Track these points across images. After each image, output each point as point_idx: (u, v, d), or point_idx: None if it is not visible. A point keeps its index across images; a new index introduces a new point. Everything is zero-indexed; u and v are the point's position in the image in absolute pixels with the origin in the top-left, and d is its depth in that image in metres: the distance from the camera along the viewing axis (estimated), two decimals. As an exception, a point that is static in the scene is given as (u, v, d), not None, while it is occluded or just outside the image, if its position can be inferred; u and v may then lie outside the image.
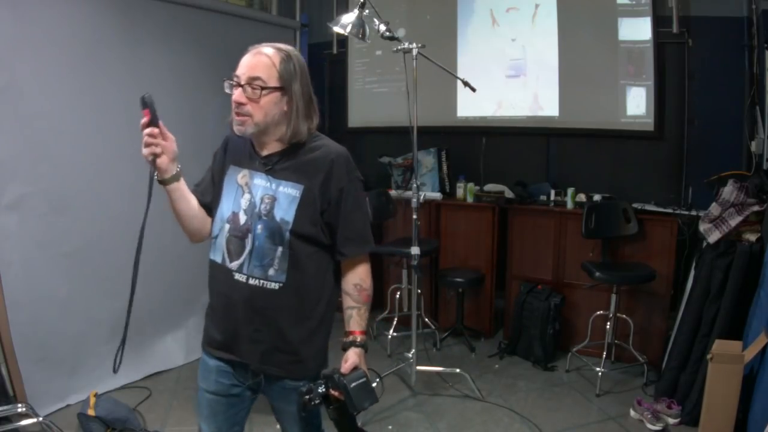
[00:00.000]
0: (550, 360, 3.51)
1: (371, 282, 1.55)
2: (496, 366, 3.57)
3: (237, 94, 1.38)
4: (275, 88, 1.38)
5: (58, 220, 2.81)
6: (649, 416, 2.78)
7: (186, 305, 3.46)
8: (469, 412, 2.98)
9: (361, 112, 4.82)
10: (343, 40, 4.76)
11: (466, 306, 3.94)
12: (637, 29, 3.63)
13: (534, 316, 3.53)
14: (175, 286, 3.39)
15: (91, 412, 2.63)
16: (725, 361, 2.28)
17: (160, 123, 1.36)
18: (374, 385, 1.44)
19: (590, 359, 3.45)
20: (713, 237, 2.81)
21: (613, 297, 3.27)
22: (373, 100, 4.72)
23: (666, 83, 3.65)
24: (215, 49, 3.70)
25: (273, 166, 1.45)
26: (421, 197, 2.98)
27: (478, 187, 4.07)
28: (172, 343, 3.45)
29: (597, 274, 3.20)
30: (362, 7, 2.76)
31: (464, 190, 4.01)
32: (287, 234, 1.41)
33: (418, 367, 3.10)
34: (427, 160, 4.23)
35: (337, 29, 2.81)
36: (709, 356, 2.34)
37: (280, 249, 1.42)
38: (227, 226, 1.46)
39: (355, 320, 1.50)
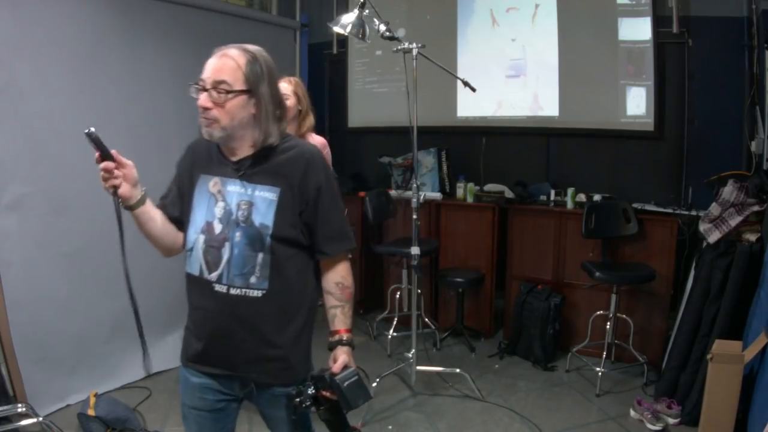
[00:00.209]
0: (550, 360, 3.51)
1: (352, 279, 1.54)
2: (496, 366, 3.57)
3: (202, 99, 1.34)
4: (241, 92, 1.34)
5: (58, 220, 2.81)
6: (649, 416, 2.78)
7: (186, 305, 3.45)
8: (469, 412, 2.98)
9: (361, 112, 4.82)
10: (343, 40, 4.76)
11: (466, 306, 3.94)
12: (637, 29, 3.63)
13: (534, 316, 3.53)
14: (174, 286, 3.36)
15: (91, 412, 2.63)
16: (725, 361, 2.28)
17: (114, 152, 1.32)
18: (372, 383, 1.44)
19: (590, 359, 3.45)
20: (713, 237, 2.81)
21: (613, 297, 3.27)
22: (373, 100, 4.72)
23: (666, 83, 3.65)
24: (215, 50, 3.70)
25: (246, 171, 1.41)
26: (421, 197, 2.98)
27: (478, 187, 4.07)
28: (172, 343, 3.45)
29: (597, 274, 3.20)
30: (362, 7, 2.76)
31: (464, 190, 4.01)
32: (268, 239, 1.38)
33: (418, 367, 3.10)
34: (427, 160, 4.23)
35: (337, 29, 2.81)
36: (709, 356, 2.33)
37: (261, 255, 1.38)
38: (202, 237, 1.42)
39: (340, 319, 1.48)
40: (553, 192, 3.85)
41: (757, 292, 2.49)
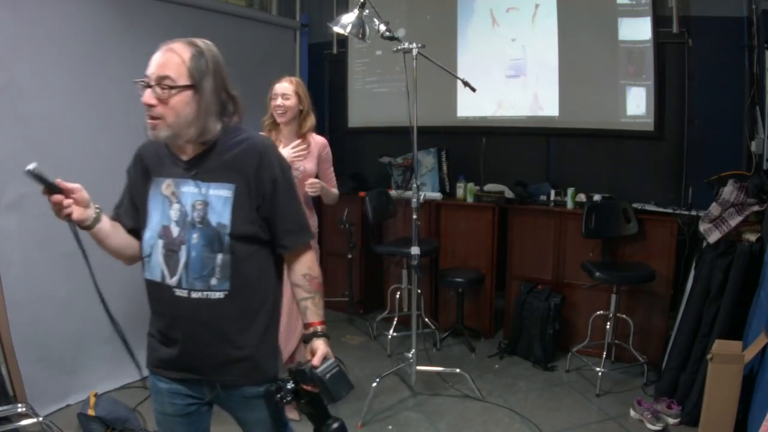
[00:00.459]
0: (550, 360, 3.51)
1: (319, 269, 1.52)
2: (496, 366, 3.57)
3: (146, 96, 1.29)
4: (185, 87, 1.29)
5: (58, 220, 2.80)
6: (649, 416, 2.78)
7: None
8: (469, 412, 2.98)
9: (361, 112, 4.82)
10: (343, 40, 4.76)
11: (466, 306, 3.94)
12: (637, 29, 3.63)
13: (534, 316, 3.53)
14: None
15: (91, 412, 2.63)
16: (725, 361, 2.28)
17: (58, 181, 1.29)
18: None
19: (590, 359, 3.45)
20: (713, 237, 2.81)
21: (613, 297, 3.27)
22: (373, 100, 4.72)
23: (666, 83, 3.65)
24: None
25: (199, 170, 1.37)
26: (421, 197, 2.97)
27: (478, 187, 4.07)
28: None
29: (597, 274, 3.20)
30: (362, 7, 2.76)
31: (464, 190, 4.01)
32: (227, 238, 1.35)
33: (418, 367, 3.09)
34: (427, 160, 4.23)
35: (337, 29, 2.81)
36: (709, 356, 2.34)
37: (220, 256, 1.35)
38: (161, 242, 1.37)
39: (312, 311, 1.46)
40: (553, 192, 3.85)
41: (757, 292, 2.49)
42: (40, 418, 2.55)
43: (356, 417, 2.87)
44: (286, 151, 2.60)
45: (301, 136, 2.73)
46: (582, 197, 3.69)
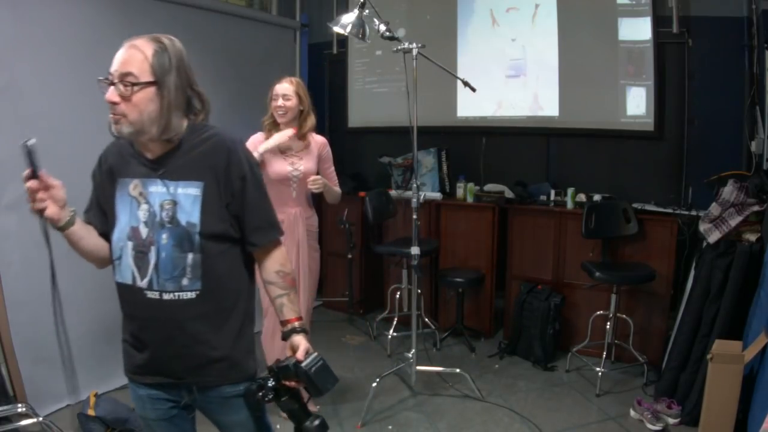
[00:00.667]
0: (550, 360, 3.51)
1: (291, 265, 1.51)
2: (496, 366, 3.57)
3: (109, 93, 1.28)
4: (148, 83, 1.27)
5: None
6: (649, 416, 2.78)
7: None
8: (469, 412, 2.98)
9: (361, 112, 4.82)
10: (343, 40, 4.76)
11: (466, 306, 3.94)
12: (637, 29, 3.63)
13: (534, 316, 3.53)
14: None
15: (91, 412, 2.63)
16: (725, 361, 2.28)
17: (42, 173, 1.26)
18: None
19: (590, 359, 3.45)
20: (713, 237, 2.81)
21: (613, 297, 3.27)
22: (373, 100, 4.72)
23: (666, 83, 3.65)
24: (215, 49, 3.70)
25: (166, 169, 1.35)
26: (421, 197, 2.97)
27: (478, 187, 4.07)
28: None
29: (597, 274, 3.20)
30: (362, 7, 2.76)
31: (464, 190, 4.01)
32: (197, 237, 1.33)
33: (418, 367, 3.09)
34: (427, 160, 4.23)
35: (337, 29, 2.81)
36: (709, 356, 2.34)
37: (190, 256, 1.33)
38: (130, 243, 1.35)
39: (289, 307, 1.45)
40: (553, 192, 3.85)
41: (757, 292, 2.49)
42: (40, 418, 2.56)
43: (356, 417, 2.87)
44: (277, 136, 2.59)
45: (302, 136, 2.73)
46: (582, 197, 3.69)
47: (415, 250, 2.88)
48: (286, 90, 2.65)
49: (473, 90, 3.03)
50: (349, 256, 4.14)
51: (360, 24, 2.77)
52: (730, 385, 2.28)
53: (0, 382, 2.60)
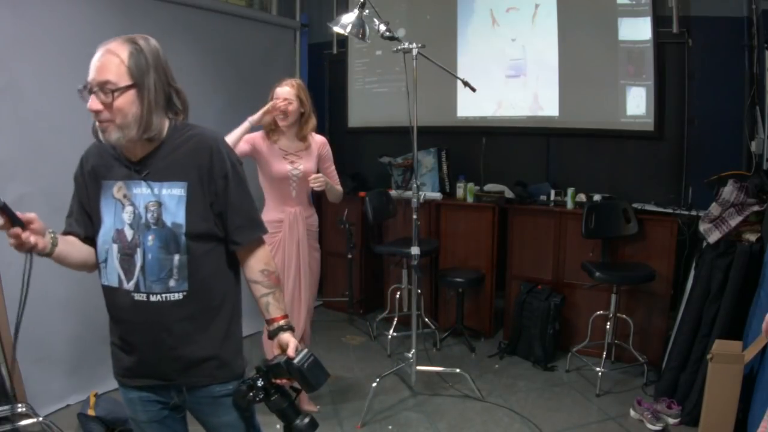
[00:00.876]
0: (550, 360, 3.51)
1: (274, 263, 1.51)
2: (496, 366, 3.57)
3: (91, 102, 1.26)
4: (128, 87, 1.26)
5: (58, 220, 2.79)
6: (649, 416, 2.78)
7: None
8: (469, 412, 2.98)
9: (361, 112, 4.82)
10: (343, 40, 4.76)
11: (466, 306, 3.94)
12: (637, 29, 3.63)
13: (534, 316, 3.53)
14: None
15: (91, 412, 2.63)
16: (725, 361, 2.28)
17: (19, 215, 1.24)
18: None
19: (590, 359, 3.45)
20: (713, 237, 2.81)
21: (613, 297, 3.27)
22: (373, 100, 4.72)
23: (666, 83, 3.65)
24: (215, 49, 3.70)
25: (150, 170, 1.34)
26: (421, 197, 2.98)
27: (478, 187, 4.07)
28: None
29: (597, 274, 3.20)
30: (362, 7, 2.76)
31: (464, 190, 4.01)
32: (183, 238, 1.33)
33: (418, 367, 3.09)
34: (427, 160, 4.23)
35: (337, 29, 2.81)
36: (709, 356, 2.34)
37: (177, 257, 1.33)
38: (116, 246, 1.35)
39: (275, 306, 1.45)
40: (553, 192, 3.85)
41: (757, 292, 2.49)
42: (40, 418, 2.55)
43: (356, 417, 2.87)
44: (267, 106, 2.61)
45: (303, 138, 2.73)
46: (582, 197, 3.69)
47: (415, 250, 2.89)
48: (287, 94, 2.65)
49: (473, 90, 3.03)
50: (349, 256, 4.14)
51: (360, 24, 2.77)
52: (730, 385, 2.28)
53: (0, 382, 2.59)
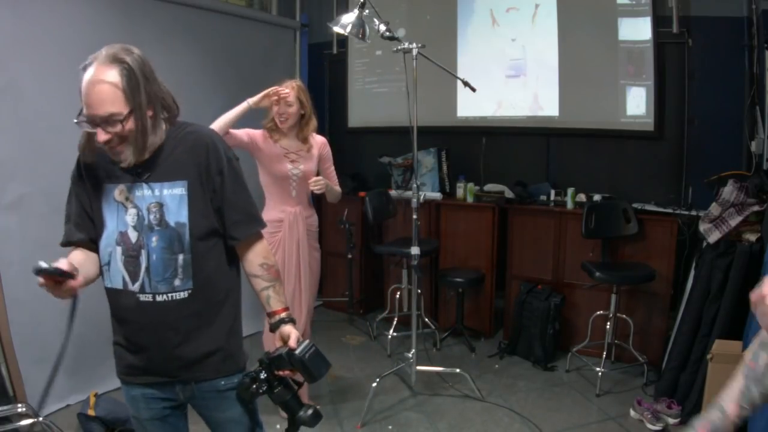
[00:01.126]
0: (550, 360, 3.51)
1: (273, 256, 1.52)
2: (496, 366, 3.57)
3: (101, 136, 1.25)
4: (130, 112, 1.26)
5: (58, 220, 2.79)
6: (649, 416, 2.78)
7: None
8: (469, 412, 2.98)
9: (361, 112, 4.82)
10: (343, 40, 4.76)
11: (466, 306, 3.94)
12: (637, 29, 3.63)
13: (534, 316, 3.53)
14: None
15: (91, 412, 2.63)
16: (725, 361, 2.28)
17: (61, 266, 1.23)
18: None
19: (590, 359, 3.45)
20: (713, 237, 2.81)
21: (613, 297, 3.27)
22: (373, 100, 4.72)
23: (666, 83, 3.65)
24: (215, 49, 3.70)
25: (150, 172, 1.35)
26: (421, 197, 2.98)
27: (478, 187, 4.08)
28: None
29: (597, 274, 3.20)
30: (362, 7, 2.76)
31: (464, 190, 4.01)
32: (187, 237, 1.35)
33: (418, 367, 3.09)
34: (427, 160, 4.23)
35: (337, 29, 2.81)
36: (709, 356, 2.34)
37: (181, 256, 1.35)
38: (119, 248, 1.35)
39: (275, 299, 1.46)
40: (553, 192, 3.85)
41: (757, 292, 2.48)
42: (40, 418, 2.55)
43: (356, 417, 2.87)
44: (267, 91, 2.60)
45: (303, 139, 2.73)
46: (582, 197, 3.69)
47: (415, 250, 2.89)
48: (288, 96, 2.65)
49: (473, 90, 3.03)
50: (349, 256, 4.14)
51: (360, 24, 2.77)
52: (730, 385, 2.28)
53: (0, 382, 2.59)
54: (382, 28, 2.80)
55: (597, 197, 3.68)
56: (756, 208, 2.76)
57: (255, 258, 1.46)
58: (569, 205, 3.65)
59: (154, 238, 1.34)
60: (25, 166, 2.71)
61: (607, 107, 3.80)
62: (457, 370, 3.26)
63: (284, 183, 2.70)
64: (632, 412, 2.90)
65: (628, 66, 3.70)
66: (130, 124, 1.27)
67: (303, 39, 4.61)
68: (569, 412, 2.96)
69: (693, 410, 2.71)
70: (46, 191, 2.77)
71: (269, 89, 2.62)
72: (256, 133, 2.68)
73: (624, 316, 3.38)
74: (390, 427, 2.83)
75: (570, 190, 3.67)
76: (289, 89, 2.65)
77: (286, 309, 1.47)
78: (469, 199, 3.97)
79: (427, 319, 3.89)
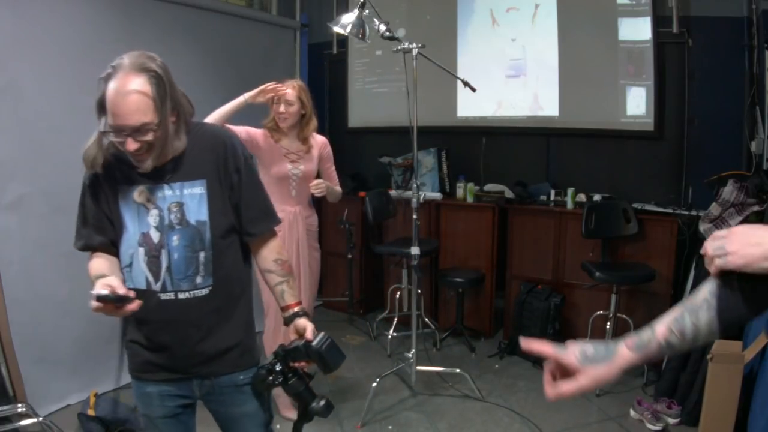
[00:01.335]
0: (550, 360, 3.50)
1: (286, 252, 1.55)
2: (496, 366, 3.57)
3: (130, 146, 1.25)
4: (161, 120, 1.26)
5: (58, 220, 2.80)
6: (649, 416, 2.78)
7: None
8: (469, 412, 2.98)
9: (361, 112, 4.82)
10: (343, 40, 4.76)
11: (466, 306, 3.94)
12: (637, 29, 3.63)
13: (534, 316, 3.53)
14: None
15: (91, 412, 2.63)
16: (725, 361, 2.28)
17: (119, 293, 1.20)
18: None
19: (590, 359, 3.44)
20: (713, 237, 2.81)
21: (613, 297, 3.27)
22: (373, 100, 4.72)
23: (666, 83, 3.65)
24: (215, 49, 3.70)
25: (171, 173, 1.36)
26: (421, 197, 2.98)
27: (478, 187, 4.08)
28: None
29: (597, 274, 3.20)
30: (362, 7, 2.76)
31: (464, 190, 4.01)
32: (208, 235, 1.37)
33: (418, 367, 3.09)
34: (427, 160, 4.23)
35: (337, 29, 2.81)
36: (709, 356, 2.33)
37: (202, 254, 1.37)
38: (142, 249, 1.36)
39: (289, 293, 1.48)
40: (553, 192, 3.85)
41: (757, 292, 2.48)
42: (40, 418, 2.55)
43: (356, 417, 2.87)
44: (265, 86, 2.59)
45: (304, 139, 2.73)
46: (582, 197, 3.69)
47: (415, 250, 2.89)
48: (289, 96, 2.65)
49: (473, 90, 3.03)
50: (349, 256, 4.14)
51: (360, 24, 2.77)
52: (730, 385, 2.28)
53: (0, 382, 2.59)
54: (382, 28, 2.80)
55: (597, 197, 3.68)
56: (756, 208, 2.76)
57: (269, 254, 1.49)
58: (569, 205, 3.65)
59: (175, 237, 1.36)
60: (25, 166, 2.71)
61: (607, 107, 3.80)
62: (457, 370, 3.26)
63: (284, 183, 2.70)
64: (632, 412, 2.90)
65: (628, 66, 3.70)
66: (159, 132, 1.28)
67: (303, 39, 4.61)
68: (569, 412, 2.96)
69: (693, 410, 2.71)
70: (46, 191, 2.77)
71: (266, 84, 2.62)
72: (257, 132, 2.68)
73: (624, 316, 3.37)
74: (390, 427, 2.84)
75: (570, 190, 3.67)
76: (290, 89, 2.65)
77: (299, 303, 1.49)
78: (469, 199, 3.97)
79: (427, 319, 3.89)
